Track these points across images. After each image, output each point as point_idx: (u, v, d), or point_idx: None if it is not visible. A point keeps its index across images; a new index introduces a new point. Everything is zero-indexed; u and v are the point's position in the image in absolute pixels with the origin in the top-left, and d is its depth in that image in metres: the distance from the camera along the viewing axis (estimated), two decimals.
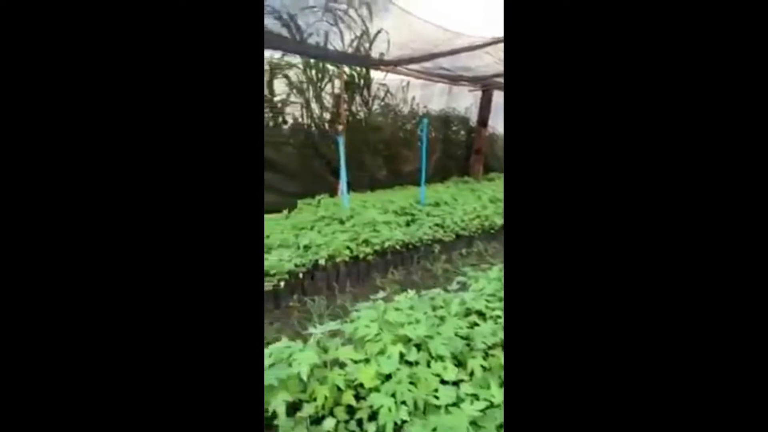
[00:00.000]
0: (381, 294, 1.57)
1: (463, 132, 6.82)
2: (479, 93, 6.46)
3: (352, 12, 3.53)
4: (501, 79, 5.27)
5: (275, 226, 3.16)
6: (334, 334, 1.33)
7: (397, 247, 2.77)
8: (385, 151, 5.51)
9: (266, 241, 2.70)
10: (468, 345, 1.21)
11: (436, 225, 3.24)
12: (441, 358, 1.16)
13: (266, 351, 1.19)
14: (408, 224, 3.29)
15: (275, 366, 1.07)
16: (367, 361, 1.19)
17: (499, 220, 3.59)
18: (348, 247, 2.58)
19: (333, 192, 4.75)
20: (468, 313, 1.50)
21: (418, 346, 1.24)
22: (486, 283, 1.75)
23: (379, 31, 3.70)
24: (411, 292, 1.67)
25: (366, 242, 2.70)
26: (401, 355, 1.16)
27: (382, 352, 1.20)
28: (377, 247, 2.70)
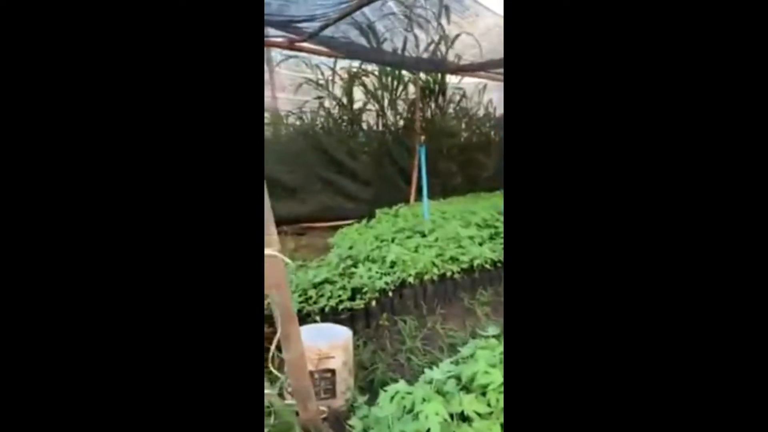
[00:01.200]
0: (492, 330, 1.46)
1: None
2: None
3: (431, 16, 3.41)
4: None
5: (358, 236, 3.18)
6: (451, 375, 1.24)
7: (486, 265, 2.62)
8: (460, 157, 5.33)
9: (350, 251, 2.71)
10: None
11: None
12: None
13: (387, 395, 1.14)
14: (492, 237, 3.12)
15: (401, 420, 1.02)
16: (492, 414, 1.09)
17: None
18: (435, 265, 2.49)
19: (406, 200, 4.70)
20: None
21: None
22: None
23: (458, 35, 3.56)
24: None
25: (453, 259, 2.60)
26: None
27: None
28: (465, 265, 2.58)
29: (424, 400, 1.06)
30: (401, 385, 1.18)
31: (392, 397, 1.12)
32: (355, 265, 2.50)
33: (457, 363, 1.35)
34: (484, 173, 5.61)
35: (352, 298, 2.16)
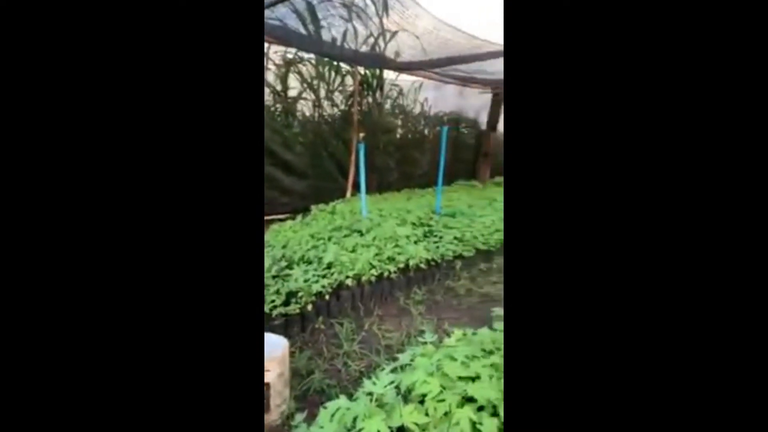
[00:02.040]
0: (429, 337, 1.50)
1: (472, 134, 6.73)
2: (489, 95, 6.36)
3: (370, 9, 3.36)
4: None
5: (293, 234, 3.06)
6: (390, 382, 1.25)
7: (421, 265, 2.70)
8: (397, 153, 5.39)
9: (284, 252, 2.60)
10: None
11: (456, 239, 3.18)
12: None
13: (327, 412, 1.11)
14: (426, 236, 3.21)
15: None
16: (430, 424, 1.12)
17: None
18: (373, 265, 2.49)
19: (343, 194, 4.64)
20: None
21: (482, 408, 1.18)
22: None
23: (396, 32, 3.56)
24: (458, 332, 1.60)
25: (390, 259, 2.62)
26: (472, 424, 1.10)
27: (446, 414, 1.13)
28: (401, 265, 2.62)
29: (367, 418, 1.06)
30: (342, 401, 1.15)
31: (333, 415, 1.10)
32: (289, 267, 2.41)
33: (395, 371, 1.36)
34: (418, 170, 5.76)
35: (286, 303, 2.08)
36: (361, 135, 3.18)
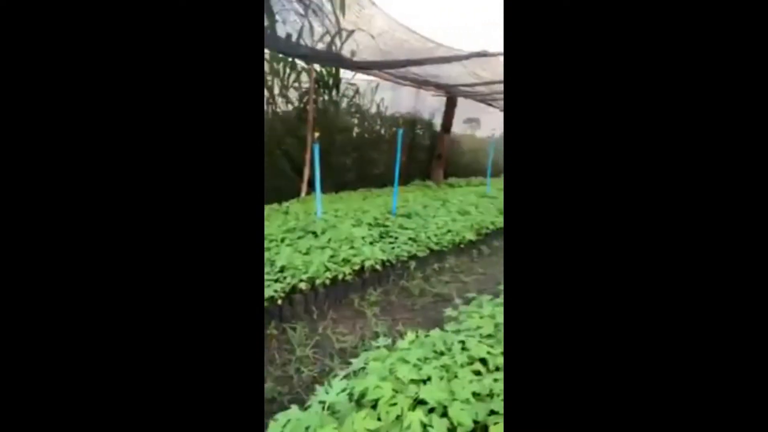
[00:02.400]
0: (383, 341, 1.52)
1: (427, 136, 6.87)
2: (443, 98, 6.52)
3: (326, 7, 3.31)
4: (467, 88, 5.35)
5: None
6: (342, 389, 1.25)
7: (377, 266, 2.71)
8: (353, 153, 5.37)
9: None
10: (490, 411, 1.20)
11: (411, 239, 3.23)
12: (462, 425, 1.14)
13: (278, 424, 1.08)
14: (382, 236, 3.24)
15: None
16: (381, 428, 1.13)
17: (468, 234, 3.67)
18: (327, 268, 2.47)
19: (297, 193, 4.54)
20: (471, 360, 1.49)
21: (433, 409, 1.21)
22: (481, 321, 1.76)
23: (352, 31, 3.54)
24: (411, 335, 1.63)
25: (345, 261, 2.61)
26: (423, 426, 1.12)
27: (398, 417, 1.14)
28: (357, 267, 2.62)
29: (317, 427, 1.04)
30: (292, 412, 1.13)
31: (284, 427, 1.07)
32: None
33: (349, 376, 1.36)
34: (375, 170, 5.78)
35: None
36: (317, 134, 3.12)
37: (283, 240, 2.84)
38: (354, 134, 5.52)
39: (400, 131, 3.83)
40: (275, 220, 3.40)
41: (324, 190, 4.54)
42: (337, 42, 3.62)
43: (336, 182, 5.08)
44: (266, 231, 3.00)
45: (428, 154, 6.90)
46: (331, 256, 2.59)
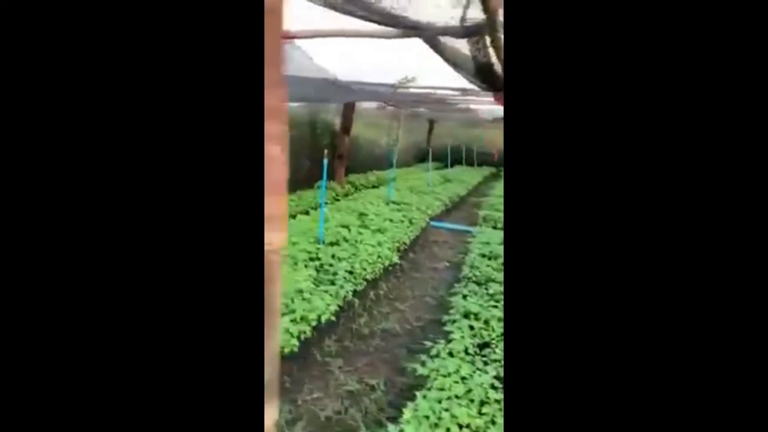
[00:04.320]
0: None
1: (326, 136, 6.85)
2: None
3: None
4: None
5: None
6: None
7: (333, 318, 2.82)
8: None
9: None
10: None
11: (348, 273, 3.36)
12: None
13: None
14: (319, 273, 3.30)
15: None
16: None
17: (394, 256, 3.99)
18: (291, 334, 2.49)
19: None
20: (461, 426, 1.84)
21: None
22: (451, 381, 2.12)
23: None
24: (408, 413, 1.89)
25: (303, 318, 2.65)
26: None
27: None
28: (314, 323, 2.69)
29: None
30: None
31: None
32: None
33: None
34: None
35: None
36: None
37: None
38: None
39: (325, 161, 3.81)
40: None
41: None
42: None
43: None
44: None
45: (331, 155, 6.90)
46: (292, 320, 2.59)
